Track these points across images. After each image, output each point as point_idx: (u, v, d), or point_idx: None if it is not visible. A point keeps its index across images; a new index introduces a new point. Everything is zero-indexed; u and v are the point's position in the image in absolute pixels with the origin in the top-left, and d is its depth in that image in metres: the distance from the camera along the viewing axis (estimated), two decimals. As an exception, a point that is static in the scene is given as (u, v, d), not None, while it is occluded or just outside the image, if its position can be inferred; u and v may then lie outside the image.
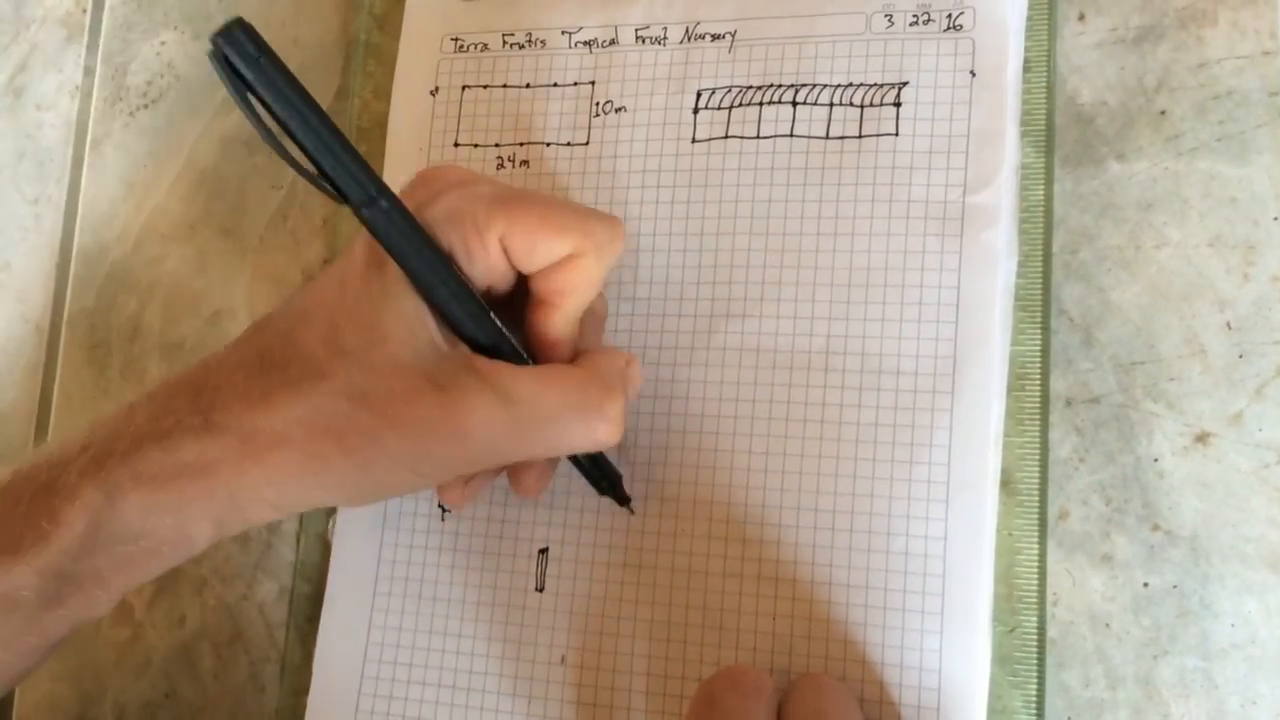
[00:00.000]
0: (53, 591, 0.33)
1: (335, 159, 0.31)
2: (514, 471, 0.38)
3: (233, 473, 0.33)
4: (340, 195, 0.32)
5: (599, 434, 0.35)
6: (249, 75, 0.29)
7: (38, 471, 0.33)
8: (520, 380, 0.34)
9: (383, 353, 0.33)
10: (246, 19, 0.29)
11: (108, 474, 0.32)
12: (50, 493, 0.33)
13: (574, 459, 0.39)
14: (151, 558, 0.34)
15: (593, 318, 0.38)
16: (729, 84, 0.42)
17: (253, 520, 0.35)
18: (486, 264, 0.35)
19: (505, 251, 0.35)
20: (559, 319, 0.36)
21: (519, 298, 0.37)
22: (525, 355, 0.35)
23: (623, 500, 0.39)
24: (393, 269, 0.33)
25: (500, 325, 0.35)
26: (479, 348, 0.34)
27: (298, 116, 0.30)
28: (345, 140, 0.31)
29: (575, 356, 0.37)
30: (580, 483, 0.40)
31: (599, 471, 0.39)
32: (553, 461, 0.39)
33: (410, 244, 0.33)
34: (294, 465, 0.33)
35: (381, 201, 0.32)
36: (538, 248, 0.35)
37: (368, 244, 0.34)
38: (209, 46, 0.29)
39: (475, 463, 0.35)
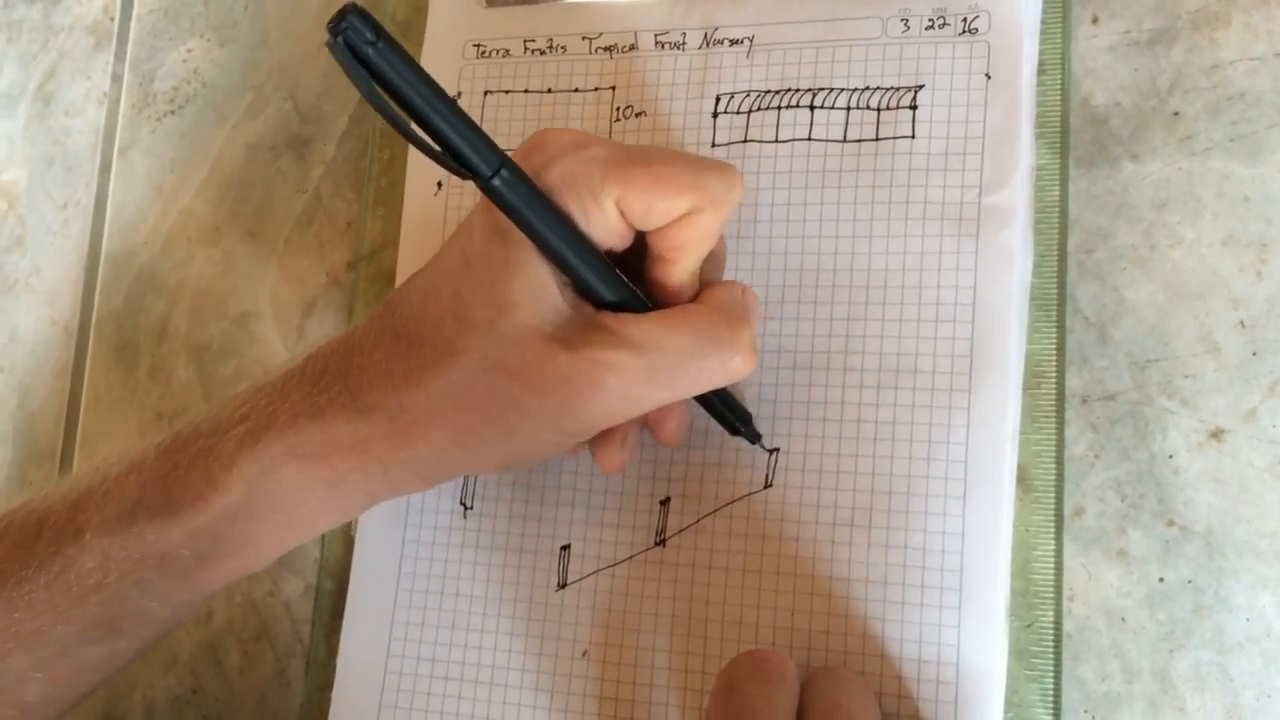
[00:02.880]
0: (208, 552, 0.35)
1: (459, 135, 0.31)
2: (654, 422, 0.38)
3: (385, 449, 0.34)
4: (464, 170, 0.32)
5: (734, 365, 0.35)
6: (371, 59, 0.29)
7: (197, 436, 0.35)
8: (648, 327, 0.34)
9: (511, 321, 0.33)
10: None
11: (265, 447, 0.34)
12: (209, 458, 0.34)
13: (705, 402, 0.38)
14: (304, 526, 0.36)
15: (713, 260, 0.38)
16: (748, 88, 0.42)
17: (402, 492, 0.36)
18: (605, 226, 0.34)
19: (622, 213, 0.35)
20: (677, 272, 0.36)
21: (637, 250, 0.37)
22: (649, 303, 0.36)
23: (754, 438, 0.39)
24: (515, 237, 0.33)
25: (625, 280, 0.35)
26: (604, 305, 0.35)
27: (420, 96, 0.30)
28: (466, 116, 0.31)
29: (695, 296, 0.37)
30: (602, 480, 0.41)
31: (729, 411, 0.39)
32: (685, 406, 0.39)
33: (534, 211, 0.33)
34: (443, 439, 0.34)
35: (504, 172, 0.32)
36: (654, 209, 0.34)
37: (485, 215, 0.34)
38: (326, 36, 0.29)
39: (617, 415, 0.35)
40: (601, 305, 0.35)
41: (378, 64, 0.29)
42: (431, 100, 0.30)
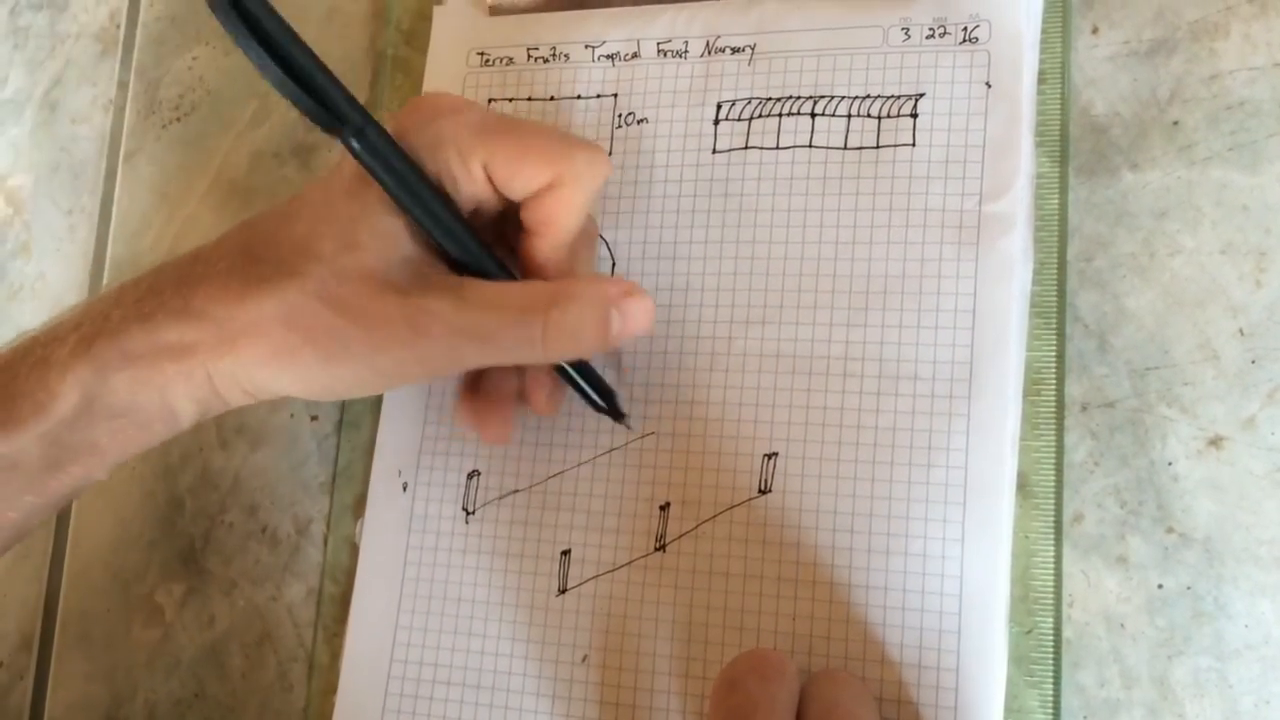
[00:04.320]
0: (53, 458, 0.36)
1: (325, 92, 0.34)
2: (527, 392, 0.40)
3: (209, 355, 0.35)
4: (331, 124, 0.34)
5: (536, 348, 0.36)
6: (249, 11, 0.33)
7: (35, 347, 0.36)
8: (483, 289, 0.36)
9: (354, 259, 0.35)
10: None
11: (98, 352, 0.35)
12: (45, 367, 0.35)
13: (564, 374, 0.40)
14: (142, 431, 0.37)
15: (584, 239, 0.40)
16: (749, 96, 0.42)
17: (230, 403, 0.37)
18: (472, 189, 0.37)
19: (490, 178, 0.37)
20: (545, 246, 0.38)
21: (514, 227, 0.39)
22: (507, 273, 0.37)
23: (617, 416, 0.41)
24: (375, 190, 0.36)
25: (480, 243, 0.37)
26: (465, 269, 0.37)
27: (293, 53, 0.34)
28: (334, 77, 0.34)
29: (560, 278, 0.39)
30: (602, 486, 0.41)
31: (590, 386, 0.40)
32: (557, 382, 0.40)
33: (392, 169, 0.35)
34: (264, 354, 0.35)
35: (367, 130, 0.35)
36: (519, 174, 0.37)
37: (355, 165, 0.36)
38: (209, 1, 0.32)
39: (432, 363, 0.36)
40: (460, 268, 0.37)
41: (254, 17, 0.33)
42: (303, 58, 0.34)
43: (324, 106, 0.34)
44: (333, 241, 0.35)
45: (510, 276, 0.37)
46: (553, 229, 0.37)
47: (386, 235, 0.36)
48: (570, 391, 0.41)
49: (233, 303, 0.35)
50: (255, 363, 0.35)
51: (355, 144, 0.35)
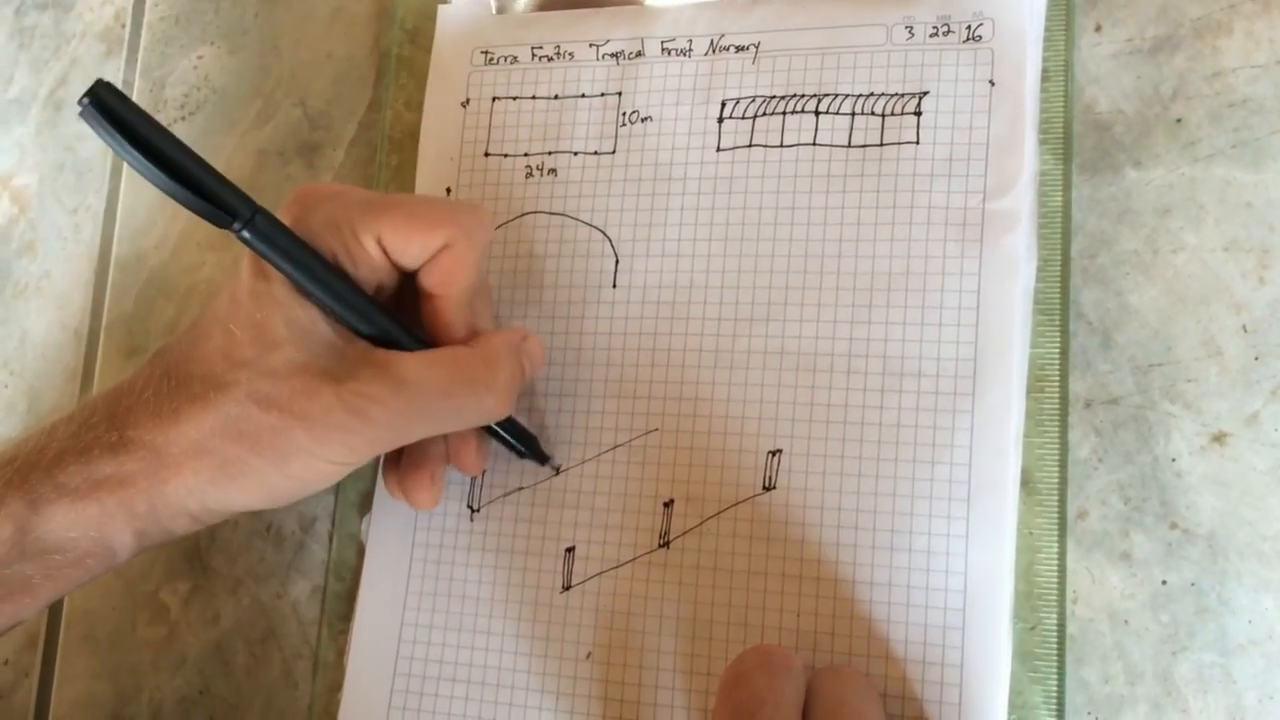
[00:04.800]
0: None
1: (211, 188, 0.34)
2: (454, 453, 0.41)
3: (150, 484, 0.35)
4: (219, 219, 0.34)
5: (487, 406, 0.38)
6: (129, 121, 0.32)
7: None
8: (411, 364, 0.36)
9: (279, 357, 0.35)
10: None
11: (32, 486, 0.34)
12: None
13: (490, 430, 0.41)
14: (76, 568, 0.36)
15: (483, 305, 0.41)
16: (753, 94, 0.43)
17: (173, 532, 0.37)
18: (369, 265, 0.37)
19: (384, 251, 0.37)
20: (446, 306, 0.38)
21: (412, 297, 0.39)
22: (419, 341, 0.38)
23: (543, 459, 0.42)
24: (278, 280, 0.35)
25: (388, 314, 0.37)
26: (377, 341, 0.37)
27: (176, 153, 0.33)
28: (216, 171, 0.34)
29: (470, 338, 0.39)
30: (606, 483, 0.41)
31: (514, 438, 0.41)
32: (483, 439, 0.41)
33: (289, 253, 0.35)
34: (211, 473, 0.35)
35: (257, 219, 0.34)
36: (412, 243, 0.37)
37: (253, 261, 0.36)
38: (79, 109, 0.32)
39: (382, 443, 0.37)
40: (375, 342, 0.37)
41: (131, 125, 0.32)
42: (184, 157, 0.33)
43: (211, 202, 0.34)
44: (252, 345, 0.35)
45: (421, 342, 0.38)
46: (450, 288, 0.38)
47: (302, 325, 0.35)
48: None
49: (167, 427, 0.35)
50: (203, 484, 0.35)
51: (247, 234, 0.34)
